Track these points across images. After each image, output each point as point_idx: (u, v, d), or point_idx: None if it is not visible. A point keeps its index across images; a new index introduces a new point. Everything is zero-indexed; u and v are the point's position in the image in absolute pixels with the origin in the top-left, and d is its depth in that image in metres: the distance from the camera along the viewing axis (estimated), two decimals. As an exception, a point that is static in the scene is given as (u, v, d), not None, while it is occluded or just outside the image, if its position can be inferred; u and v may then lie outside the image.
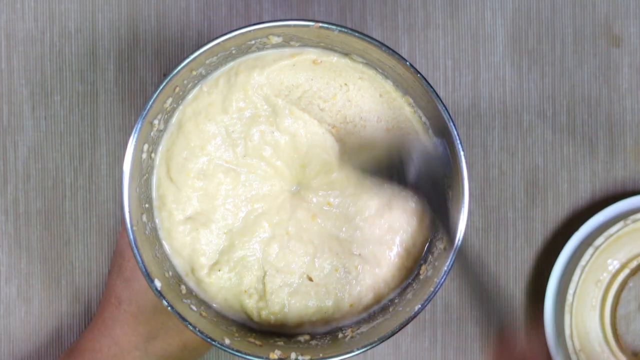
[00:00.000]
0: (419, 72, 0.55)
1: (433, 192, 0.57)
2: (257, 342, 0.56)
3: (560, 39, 0.70)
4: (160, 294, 0.54)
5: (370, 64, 0.59)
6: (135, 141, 0.54)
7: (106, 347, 0.60)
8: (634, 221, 0.66)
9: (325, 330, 0.60)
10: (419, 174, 0.56)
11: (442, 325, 0.70)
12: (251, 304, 0.58)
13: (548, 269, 0.69)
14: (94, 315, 0.64)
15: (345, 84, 0.59)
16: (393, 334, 0.55)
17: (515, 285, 0.70)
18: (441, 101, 0.55)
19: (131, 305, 0.60)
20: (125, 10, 0.69)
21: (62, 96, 0.69)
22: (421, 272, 0.59)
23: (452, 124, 0.55)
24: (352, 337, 0.57)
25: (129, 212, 0.54)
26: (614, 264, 0.68)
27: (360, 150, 0.59)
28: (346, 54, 0.58)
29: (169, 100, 0.57)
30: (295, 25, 0.55)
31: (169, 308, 0.54)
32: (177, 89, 0.56)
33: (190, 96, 0.59)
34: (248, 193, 0.60)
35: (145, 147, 0.56)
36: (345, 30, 0.54)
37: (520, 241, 0.70)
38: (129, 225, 0.54)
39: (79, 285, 0.69)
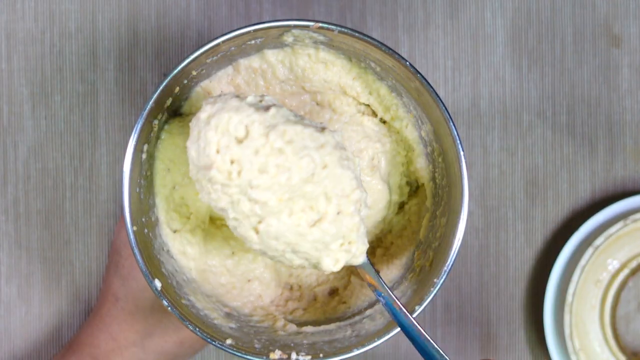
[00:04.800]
0: (418, 72, 0.55)
1: None
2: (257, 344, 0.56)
3: (560, 39, 0.70)
4: (160, 294, 0.54)
5: (367, 67, 0.59)
6: (135, 141, 0.54)
7: (104, 343, 0.61)
8: (634, 221, 0.66)
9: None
10: None
11: (442, 325, 0.70)
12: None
13: (548, 268, 0.69)
14: (92, 310, 0.64)
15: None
16: (393, 334, 0.55)
17: (515, 285, 0.70)
18: (441, 101, 0.55)
19: (128, 302, 0.60)
20: (126, 10, 0.69)
21: (62, 96, 0.69)
22: (415, 258, 0.59)
23: (452, 124, 0.55)
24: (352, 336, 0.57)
25: (129, 212, 0.54)
26: (613, 264, 0.68)
27: None
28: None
29: (169, 100, 0.57)
30: (295, 26, 0.55)
31: (169, 308, 0.54)
32: (177, 89, 0.57)
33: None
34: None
35: (145, 147, 0.56)
36: (345, 30, 0.54)
37: (520, 241, 0.70)
38: (129, 226, 0.54)
39: (79, 285, 0.69)
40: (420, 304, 0.55)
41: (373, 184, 0.60)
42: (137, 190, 0.56)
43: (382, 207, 0.61)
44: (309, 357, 0.55)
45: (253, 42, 0.57)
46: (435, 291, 0.55)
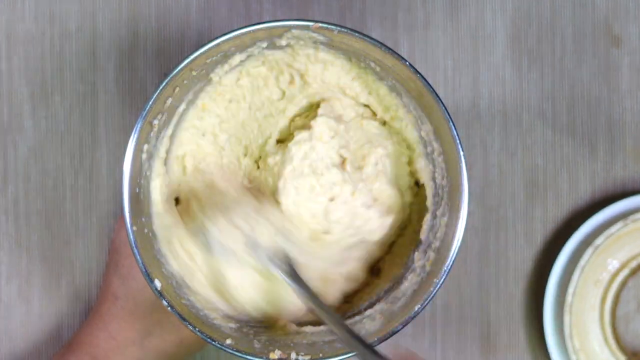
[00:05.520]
0: (418, 72, 0.55)
1: None
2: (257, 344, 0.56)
3: (560, 39, 0.70)
4: (160, 294, 0.54)
5: (367, 67, 0.59)
6: (135, 141, 0.54)
7: (103, 342, 0.61)
8: (634, 221, 0.66)
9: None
10: None
11: (442, 325, 0.70)
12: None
13: (548, 268, 0.69)
14: (92, 310, 0.64)
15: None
16: (393, 334, 0.55)
17: (515, 285, 0.70)
18: (441, 101, 0.55)
19: (127, 301, 0.60)
20: (126, 11, 0.69)
21: (62, 96, 0.69)
22: (415, 258, 0.59)
23: (452, 124, 0.55)
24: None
25: (129, 212, 0.54)
26: (613, 264, 0.68)
27: None
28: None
29: (169, 100, 0.57)
30: (295, 26, 0.55)
31: (169, 308, 0.54)
32: (177, 89, 0.57)
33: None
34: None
35: (145, 147, 0.56)
36: (345, 30, 0.54)
37: (520, 241, 0.70)
38: (129, 226, 0.54)
39: (79, 285, 0.69)
40: (420, 304, 0.55)
41: (382, 190, 0.60)
42: (137, 190, 0.56)
43: (397, 212, 0.61)
44: (309, 357, 0.55)
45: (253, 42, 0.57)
46: (435, 291, 0.55)
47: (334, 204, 0.58)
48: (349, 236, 0.59)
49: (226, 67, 0.58)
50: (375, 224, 0.59)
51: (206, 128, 0.60)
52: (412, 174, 0.62)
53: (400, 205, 0.61)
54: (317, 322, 0.61)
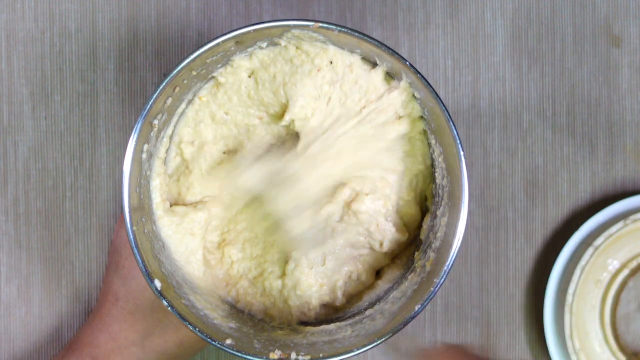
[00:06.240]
0: (418, 72, 0.55)
1: None
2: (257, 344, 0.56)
3: (560, 39, 0.70)
4: (160, 294, 0.54)
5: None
6: (135, 141, 0.54)
7: (104, 343, 0.61)
8: (634, 221, 0.66)
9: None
10: None
11: (442, 325, 0.70)
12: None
13: (548, 268, 0.69)
14: (92, 310, 0.64)
15: None
16: (393, 334, 0.55)
17: (515, 285, 0.70)
18: (441, 101, 0.55)
19: (128, 302, 0.60)
20: (125, 10, 0.69)
21: (62, 96, 0.69)
22: (415, 258, 0.59)
23: (452, 124, 0.55)
24: (351, 336, 0.57)
25: (129, 212, 0.54)
26: (613, 264, 0.68)
27: None
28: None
29: (169, 100, 0.57)
30: (295, 25, 0.55)
31: (169, 308, 0.54)
32: (177, 89, 0.57)
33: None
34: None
35: (145, 147, 0.56)
36: (345, 30, 0.54)
37: (520, 241, 0.70)
38: (129, 226, 0.54)
39: (79, 285, 0.69)
40: (420, 304, 0.55)
41: (408, 207, 0.61)
42: (137, 190, 0.56)
43: (412, 231, 0.61)
44: (309, 357, 0.55)
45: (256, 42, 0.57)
46: (435, 291, 0.55)
47: (364, 196, 0.59)
48: (356, 234, 0.60)
49: (227, 68, 0.58)
50: (388, 238, 0.60)
51: (205, 115, 0.60)
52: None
53: (417, 223, 0.61)
54: (317, 322, 0.61)
